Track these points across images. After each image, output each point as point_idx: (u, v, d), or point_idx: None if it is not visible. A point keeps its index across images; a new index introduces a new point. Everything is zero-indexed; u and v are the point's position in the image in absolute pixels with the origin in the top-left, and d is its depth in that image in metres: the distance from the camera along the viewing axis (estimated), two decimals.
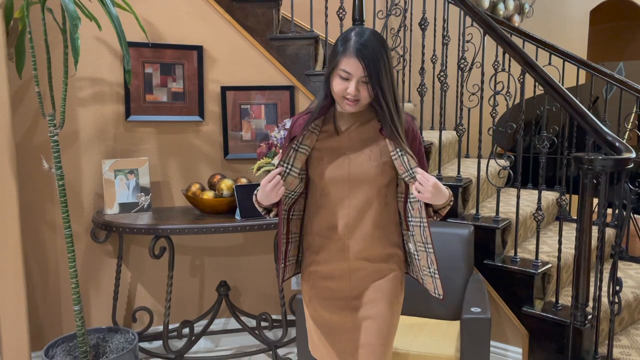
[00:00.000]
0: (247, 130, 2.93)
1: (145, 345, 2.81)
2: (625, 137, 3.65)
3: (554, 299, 2.56)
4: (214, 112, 2.89)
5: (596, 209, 2.30)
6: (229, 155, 2.91)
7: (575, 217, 2.26)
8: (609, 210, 3.01)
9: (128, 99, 2.71)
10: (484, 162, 2.73)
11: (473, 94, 2.96)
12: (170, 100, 2.79)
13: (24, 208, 2.48)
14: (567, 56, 3.30)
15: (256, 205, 1.66)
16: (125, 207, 2.64)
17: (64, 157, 2.52)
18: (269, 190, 1.52)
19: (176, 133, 2.85)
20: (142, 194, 2.67)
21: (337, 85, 1.53)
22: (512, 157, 2.63)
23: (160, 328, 2.80)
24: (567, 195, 3.13)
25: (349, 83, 1.51)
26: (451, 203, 1.65)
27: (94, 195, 2.71)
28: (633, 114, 3.33)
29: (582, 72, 3.35)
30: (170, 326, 2.82)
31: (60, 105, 2.17)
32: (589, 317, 2.33)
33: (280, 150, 1.76)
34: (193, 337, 2.68)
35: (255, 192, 1.63)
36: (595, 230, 2.28)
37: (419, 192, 1.53)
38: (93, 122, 2.69)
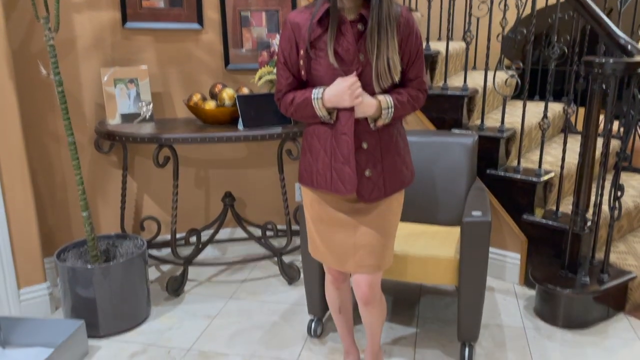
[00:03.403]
0: (247, 39, 2.84)
1: (154, 252, 2.89)
2: (639, 44, 3.53)
3: (554, 208, 2.59)
4: (213, 20, 2.79)
5: (602, 123, 2.27)
6: (230, 66, 2.85)
7: (581, 130, 2.24)
8: (615, 125, 2.98)
9: (124, 4, 2.61)
10: (491, 73, 2.66)
11: (483, 2, 2.84)
12: (167, 5, 2.69)
13: (26, 119, 2.47)
14: None
15: (317, 110, 1.58)
16: (127, 118, 2.63)
17: (62, 66, 2.47)
18: (354, 94, 1.52)
19: (175, 41, 2.77)
20: (144, 103, 2.64)
21: None
22: (521, 64, 2.56)
23: (168, 237, 2.88)
24: (575, 107, 3.08)
25: None
26: (389, 116, 1.58)
27: (95, 105, 2.69)
28: None
29: None
30: (178, 235, 2.89)
31: (54, 7, 2.09)
32: (588, 223, 2.37)
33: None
34: (200, 245, 2.76)
35: (318, 94, 1.57)
36: (600, 143, 2.27)
37: None
38: (89, 29, 2.61)
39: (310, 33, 1.55)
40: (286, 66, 1.62)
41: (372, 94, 1.56)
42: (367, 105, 1.55)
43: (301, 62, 1.59)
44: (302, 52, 1.58)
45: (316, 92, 1.57)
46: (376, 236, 1.68)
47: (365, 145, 1.60)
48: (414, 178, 1.78)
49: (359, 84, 1.53)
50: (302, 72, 1.60)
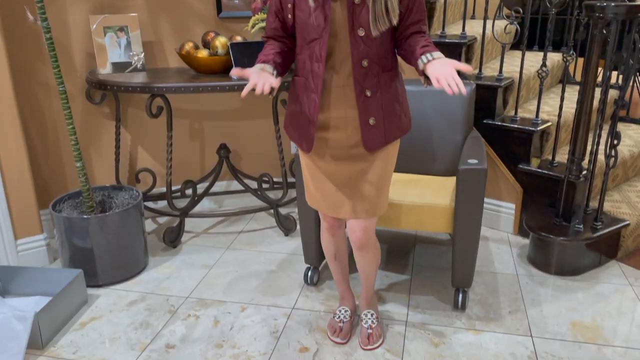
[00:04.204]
0: None
1: (150, 204, 2.90)
2: None
3: (550, 157, 2.59)
4: None
5: (601, 74, 2.24)
6: (223, 13, 2.77)
7: (579, 80, 2.21)
8: (614, 76, 2.94)
9: None
10: (490, 22, 2.60)
11: None
12: None
13: (15, 69, 2.41)
14: None
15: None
16: (118, 67, 2.57)
17: (49, 13, 2.39)
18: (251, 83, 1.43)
19: None
20: (135, 52, 2.58)
21: None
22: (521, 11, 2.50)
23: (164, 189, 2.87)
24: (574, 56, 3.04)
25: None
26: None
27: (85, 54, 2.62)
28: None
29: None
30: (173, 187, 2.89)
31: None
32: (584, 172, 2.37)
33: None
34: (196, 197, 2.76)
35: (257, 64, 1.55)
36: (598, 92, 2.24)
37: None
38: None
39: None
40: (276, 14, 1.63)
41: (369, 37, 1.53)
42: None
43: (289, 5, 1.56)
44: None
45: (256, 66, 1.54)
46: (371, 182, 1.68)
47: (368, 93, 1.59)
48: (411, 126, 1.77)
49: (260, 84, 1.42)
50: (289, 16, 1.57)
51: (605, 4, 2.03)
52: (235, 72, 1.46)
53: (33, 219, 2.42)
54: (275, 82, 1.44)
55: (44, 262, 2.47)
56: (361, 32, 1.52)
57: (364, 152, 1.66)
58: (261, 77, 1.45)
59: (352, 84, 1.58)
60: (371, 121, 1.61)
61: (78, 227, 2.22)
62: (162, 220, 2.95)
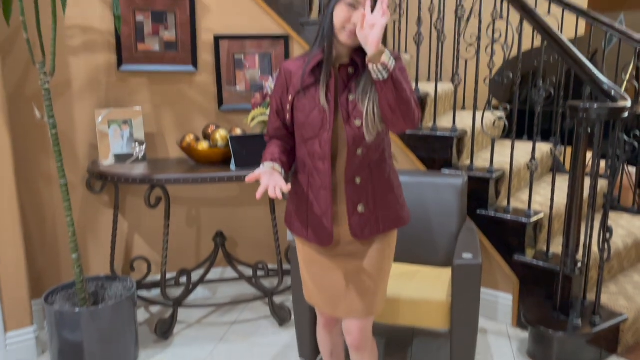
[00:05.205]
0: (241, 80, 2.89)
1: (143, 293, 2.86)
2: (623, 88, 3.63)
3: (545, 248, 2.60)
4: (207, 62, 2.85)
5: (589, 162, 2.31)
6: (224, 106, 2.89)
7: (569, 169, 2.28)
8: (603, 164, 3.03)
9: (119, 47, 2.66)
10: (479, 114, 2.72)
11: (470, 44, 2.92)
12: (162, 49, 2.74)
13: (19, 160, 2.47)
14: (566, 4, 3.24)
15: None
16: (120, 158, 2.64)
17: (56, 107, 2.50)
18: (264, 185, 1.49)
19: (169, 83, 2.81)
20: (137, 144, 2.66)
21: (340, 14, 1.48)
22: (508, 107, 2.62)
23: (158, 277, 2.85)
24: (562, 149, 3.14)
25: (355, 12, 1.47)
26: (389, 69, 1.44)
27: (88, 146, 2.70)
28: (631, 65, 3.29)
29: (582, 24, 3.29)
30: (168, 275, 2.87)
31: (50, 52, 2.13)
32: (579, 264, 2.38)
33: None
34: (190, 286, 2.73)
35: (262, 165, 1.62)
36: (588, 182, 2.30)
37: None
38: (85, 72, 2.65)
39: (302, 81, 1.58)
40: (277, 114, 1.67)
41: (361, 137, 1.58)
42: (373, 40, 1.40)
43: (288, 106, 1.62)
44: (290, 96, 1.61)
45: (266, 164, 1.60)
46: (368, 279, 1.68)
47: (358, 180, 1.61)
48: (408, 219, 1.77)
49: (271, 184, 1.48)
50: (287, 115, 1.63)
51: (588, 105, 2.12)
52: (250, 178, 1.51)
53: (24, 310, 2.38)
54: (285, 187, 1.48)
55: (32, 355, 2.40)
56: (357, 122, 1.56)
57: (361, 248, 1.67)
58: (272, 180, 1.49)
59: (343, 175, 1.61)
60: (360, 208, 1.62)
61: (69, 321, 2.18)
62: (154, 309, 2.90)
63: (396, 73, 1.45)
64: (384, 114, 1.52)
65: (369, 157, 1.61)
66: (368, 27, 1.40)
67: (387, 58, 1.43)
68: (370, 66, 1.45)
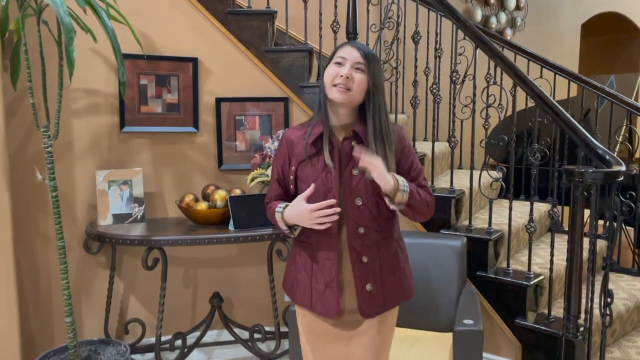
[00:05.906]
0: (241, 141, 2.94)
1: (137, 357, 2.79)
2: (616, 149, 3.69)
3: (546, 311, 2.57)
4: (208, 123, 2.90)
5: (587, 221, 2.32)
6: (223, 166, 2.92)
7: (567, 229, 2.28)
8: (600, 222, 3.04)
9: (122, 110, 2.72)
10: (476, 173, 2.75)
11: (465, 106, 2.99)
12: (165, 111, 2.80)
13: (17, 219, 2.47)
14: (558, 69, 3.35)
15: (278, 223, 1.63)
16: (118, 218, 2.64)
17: (58, 167, 2.52)
18: (313, 220, 1.53)
19: (170, 144, 2.85)
20: (136, 204, 2.67)
21: (330, 70, 1.56)
22: (504, 168, 2.65)
23: (153, 340, 2.78)
24: (559, 207, 3.15)
25: (342, 68, 1.54)
26: (404, 200, 1.54)
27: (87, 206, 2.71)
28: (623, 127, 3.37)
29: (574, 85, 3.39)
30: (163, 338, 2.80)
31: (55, 116, 2.17)
32: (581, 329, 2.34)
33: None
34: (185, 349, 2.67)
35: (280, 209, 1.61)
36: (587, 242, 2.30)
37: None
38: (87, 133, 2.69)
39: (306, 151, 1.61)
40: (278, 182, 1.69)
41: (366, 206, 1.58)
42: (384, 179, 1.49)
43: (291, 177, 1.64)
44: (292, 167, 1.63)
45: (280, 206, 1.62)
46: (369, 351, 1.65)
47: (365, 259, 1.60)
48: (413, 292, 1.73)
49: (323, 212, 1.52)
50: (291, 187, 1.64)
51: (583, 170, 2.15)
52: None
53: None
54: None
55: None
56: (358, 202, 1.58)
57: (360, 319, 1.65)
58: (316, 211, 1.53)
59: (347, 250, 1.61)
60: (368, 287, 1.60)
61: None
62: None
63: (412, 200, 1.55)
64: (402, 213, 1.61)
65: (373, 234, 1.60)
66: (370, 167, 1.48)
67: (401, 196, 1.52)
68: (386, 200, 1.54)
